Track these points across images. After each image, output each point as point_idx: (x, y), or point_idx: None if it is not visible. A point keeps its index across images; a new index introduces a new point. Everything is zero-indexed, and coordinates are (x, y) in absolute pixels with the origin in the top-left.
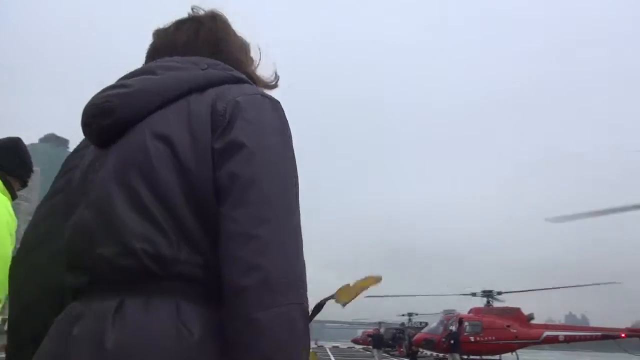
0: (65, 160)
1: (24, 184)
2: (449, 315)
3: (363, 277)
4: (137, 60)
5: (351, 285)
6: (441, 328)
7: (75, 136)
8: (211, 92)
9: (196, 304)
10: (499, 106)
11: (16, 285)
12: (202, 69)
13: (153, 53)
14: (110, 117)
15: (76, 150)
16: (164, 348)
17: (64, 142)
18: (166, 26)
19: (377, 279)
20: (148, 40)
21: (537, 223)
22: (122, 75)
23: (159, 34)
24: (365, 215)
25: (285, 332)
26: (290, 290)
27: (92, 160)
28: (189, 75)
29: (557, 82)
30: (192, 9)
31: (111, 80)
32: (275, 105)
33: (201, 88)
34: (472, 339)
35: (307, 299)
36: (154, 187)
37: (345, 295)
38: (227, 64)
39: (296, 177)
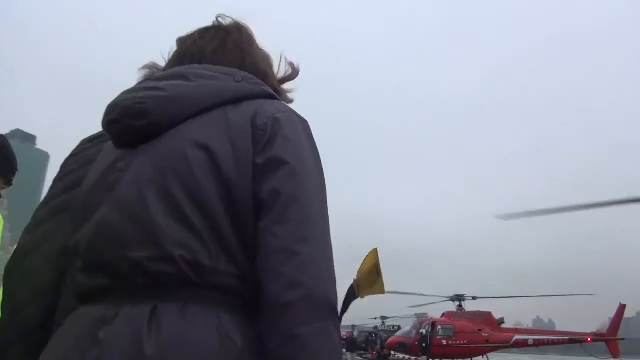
0: (63, 164)
1: (8, 183)
2: (422, 319)
3: (359, 265)
4: (102, 53)
5: (358, 278)
6: (414, 332)
7: (41, 132)
8: (247, 106)
9: (234, 314)
10: (467, 106)
11: (10, 288)
12: (237, 81)
13: (178, 59)
14: (144, 119)
15: (73, 154)
16: (210, 356)
17: (31, 138)
18: (190, 33)
19: (374, 252)
20: (109, 33)
21: (501, 226)
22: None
23: (184, 41)
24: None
25: (324, 348)
26: (327, 307)
27: (115, 160)
28: (224, 86)
29: (534, 82)
30: (217, 17)
31: (77, 77)
32: (306, 125)
33: (236, 100)
34: (444, 342)
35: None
36: (194, 196)
37: (365, 286)
38: (255, 77)
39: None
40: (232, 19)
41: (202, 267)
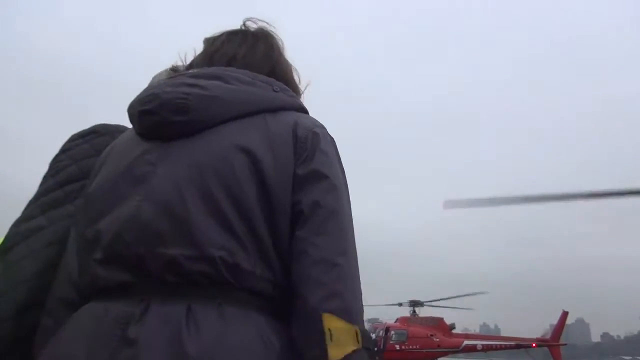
0: (53, 160)
1: None
2: (376, 324)
3: None
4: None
5: None
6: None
7: None
8: (286, 116)
9: (269, 317)
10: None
11: None
12: (275, 91)
13: (206, 59)
14: (185, 115)
15: (64, 150)
16: (253, 356)
17: None
18: (217, 34)
19: None
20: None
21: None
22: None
23: (211, 42)
24: None
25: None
26: (359, 317)
27: (143, 152)
28: (264, 94)
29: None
30: (245, 21)
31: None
32: (335, 142)
33: (274, 109)
34: (397, 347)
35: None
36: (236, 199)
37: None
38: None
39: None
40: (262, 23)
41: (240, 270)
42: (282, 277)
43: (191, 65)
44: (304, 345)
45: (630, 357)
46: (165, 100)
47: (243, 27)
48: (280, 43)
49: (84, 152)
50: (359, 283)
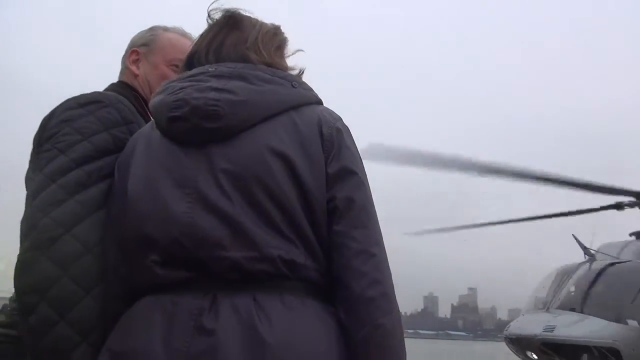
0: (52, 128)
1: None
2: None
3: None
4: None
5: None
6: None
7: None
8: (309, 112)
9: (323, 302)
10: None
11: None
12: (294, 87)
13: (214, 54)
14: (217, 121)
15: (66, 120)
16: (326, 338)
17: None
18: (215, 25)
19: None
20: None
21: None
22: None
23: (215, 34)
24: None
25: (400, 331)
26: (394, 299)
27: (179, 156)
28: (287, 93)
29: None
30: (233, 11)
31: None
32: (350, 131)
33: (296, 106)
34: None
35: None
36: (279, 203)
37: None
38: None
39: None
40: (228, 7)
41: (295, 264)
42: (326, 266)
43: (191, 61)
44: (353, 327)
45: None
46: (196, 106)
47: (211, 19)
48: (257, 22)
49: (92, 126)
50: (389, 268)
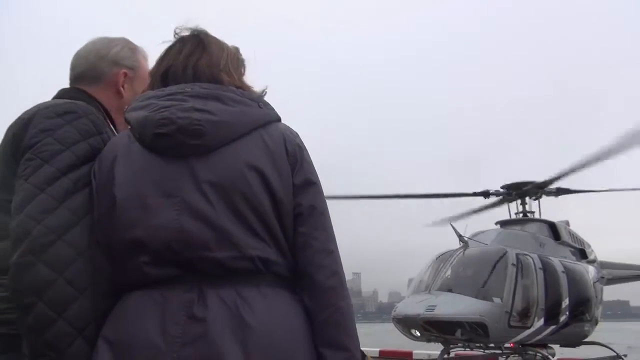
0: (32, 138)
1: None
2: None
3: None
4: None
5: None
6: None
7: None
8: (274, 130)
9: (291, 292)
10: None
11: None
12: (260, 107)
13: (193, 69)
14: (199, 138)
15: (45, 129)
16: (295, 320)
17: None
18: (177, 45)
19: None
20: None
21: None
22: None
23: (173, 54)
24: None
25: (352, 311)
26: (347, 286)
27: (164, 167)
28: (255, 113)
29: None
30: (195, 31)
31: None
32: (304, 144)
33: (263, 125)
34: None
35: None
36: (256, 209)
37: None
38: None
39: None
40: (193, 26)
41: (269, 262)
42: (292, 262)
43: (166, 76)
44: (317, 309)
45: None
46: (181, 125)
47: (180, 35)
48: (224, 44)
49: (71, 136)
50: (341, 260)
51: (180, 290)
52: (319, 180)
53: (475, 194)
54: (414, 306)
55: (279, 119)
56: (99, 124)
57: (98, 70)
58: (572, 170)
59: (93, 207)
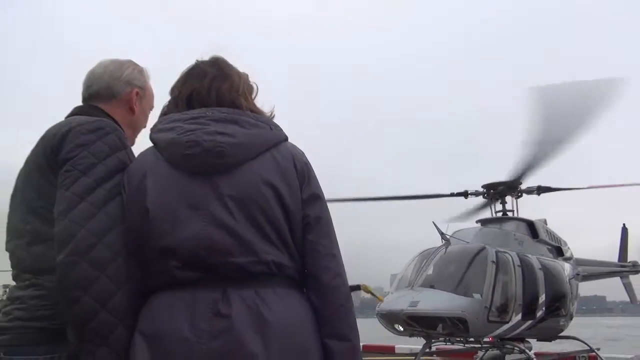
0: (68, 152)
1: None
2: None
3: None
4: None
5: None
6: None
7: None
8: (284, 150)
9: (299, 291)
10: None
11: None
12: (271, 129)
13: (216, 94)
14: (222, 159)
15: (81, 144)
16: (306, 316)
17: None
18: (201, 72)
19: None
20: None
21: None
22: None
23: (196, 79)
24: None
25: (353, 309)
26: (348, 286)
27: (190, 183)
28: (268, 135)
29: None
30: (217, 59)
31: None
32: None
33: (275, 145)
34: None
35: None
36: (270, 220)
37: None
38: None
39: None
40: (215, 54)
41: (282, 266)
42: (301, 265)
43: (190, 99)
44: (323, 306)
45: None
46: (207, 148)
47: (203, 62)
48: (240, 72)
49: (103, 150)
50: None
51: (206, 290)
52: (324, 194)
53: (453, 195)
54: (398, 302)
55: (286, 139)
56: (123, 139)
57: (113, 90)
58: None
59: (125, 215)
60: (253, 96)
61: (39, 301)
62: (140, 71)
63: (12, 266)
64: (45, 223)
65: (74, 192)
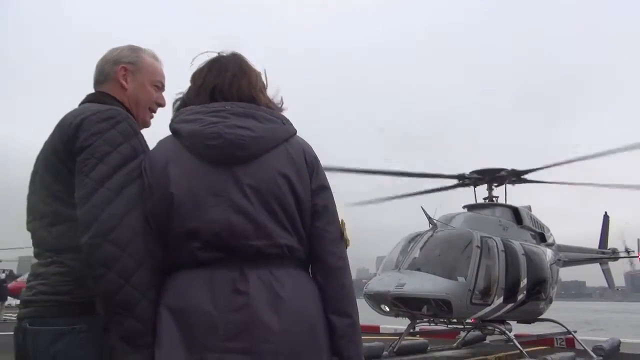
0: (84, 141)
1: None
2: None
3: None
4: None
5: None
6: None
7: None
8: (295, 143)
9: (306, 271)
10: None
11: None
12: (284, 124)
13: (237, 89)
14: (243, 151)
15: (96, 132)
16: (313, 294)
17: None
18: (218, 68)
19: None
20: None
21: None
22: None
23: (214, 74)
24: None
25: (353, 288)
26: (349, 268)
27: (213, 172)
28: (281, 129)
29: None
30: (233, 54)
31: None
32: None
33: (287, 139)
34: None
35: None
36: (284, 208)
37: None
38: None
39: None
40: (233, 51)
41: (293, 249)
42: (308, 249)
43: (213, 92)
44: (328, 286)
45: None
46: (229, 140)
47: (224, 57)
48: (256, 69)
49: (116, 138)
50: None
51: (224, 270)
52: (329, 185)
53: (450, 177)
54: (385, 283)
55: (296, 132)
56: (134, 125)
57: (104, 72)
58: (544, 167)
59: (143, 198)
60: (266, 92)
61: (61, 277)
62: (135, 50)
63: (34, 244)
64: (65, 205)
65: (93, 178)
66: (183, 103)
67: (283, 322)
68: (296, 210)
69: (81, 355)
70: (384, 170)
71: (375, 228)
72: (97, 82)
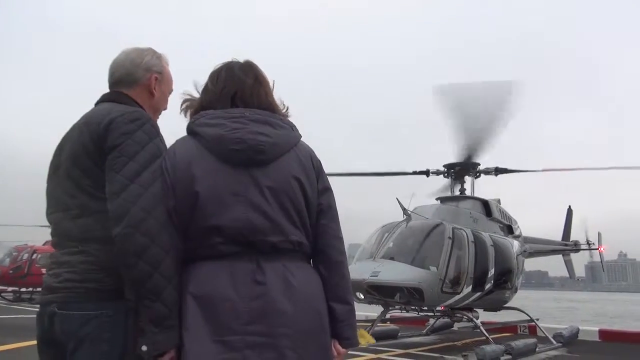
0: (117, 139)
1: None
2: (21, 246)
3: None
4: None
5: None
6: (8, 260)
7: None
8: (302, 148)
9: (309, 263)
10: None
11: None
12: (293, 130)
13: (256, 97)
14: (262, 155)
15: (126, 132)
16: (318, 283)
17: None
18: (235, 74)
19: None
20: None
21: None
22: None
23: (232, 79)
24: None
25: (350, 280)
26: (347, 261)
27: (233, 174)
28: (292, 135)
29: None
30: (246, 62)
31: None
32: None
33: (296, 144)
34: (44, 271)
35: None
36: (296, 208)
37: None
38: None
39: None
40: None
41: (302, 244)
42: (312, 243)
43: (234, 99)
44: (330, 276)
45: None
46: (250, 145)
47: (241, 65)
48: (268, 78)
49: (144, 138)
50: None
51: (242, 262)
52: (331, 186)
53: (415, 173)
54: (360, 272)
55: (301, 137)
56: (156, 127)
57: (134, 76)
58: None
59: (164, 195)
60: (276, 100)
61: (88, 266)
62: (159, 57)
63: (54, 234)
64: (92, 199)
65: (124, 175)
66: (197, 105)
67: (295, 309)
68: (306, 210)
69: (108, 338)
70: (351, 172)
71: (354, 216)
72: (120, 82)
